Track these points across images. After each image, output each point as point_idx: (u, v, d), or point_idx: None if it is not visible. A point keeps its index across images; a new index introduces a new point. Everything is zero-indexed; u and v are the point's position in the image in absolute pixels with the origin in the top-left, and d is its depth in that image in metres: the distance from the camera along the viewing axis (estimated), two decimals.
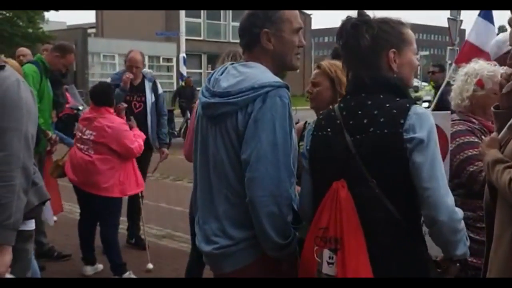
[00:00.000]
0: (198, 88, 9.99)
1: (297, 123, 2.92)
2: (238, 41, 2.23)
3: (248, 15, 2.10)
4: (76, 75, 26.64)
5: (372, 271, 1.79)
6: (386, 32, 1.93)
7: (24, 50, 6.26)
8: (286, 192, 1.94)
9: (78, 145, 4.57)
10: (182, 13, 18.96)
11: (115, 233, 4.64)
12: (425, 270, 1.89)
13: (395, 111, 1.84)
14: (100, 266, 4.79)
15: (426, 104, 14.15)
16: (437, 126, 1.95)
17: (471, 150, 2.52)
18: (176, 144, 9.90)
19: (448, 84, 6.22)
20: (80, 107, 13.25)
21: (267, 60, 2.09)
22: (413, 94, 16.51)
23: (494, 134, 2.09)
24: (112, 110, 4.60)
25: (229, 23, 33.17)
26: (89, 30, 33.53)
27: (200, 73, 30.69)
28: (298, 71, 2.41)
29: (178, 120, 14.18)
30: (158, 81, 5.85)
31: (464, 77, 2.75)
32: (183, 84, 15.46)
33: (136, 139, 4.59)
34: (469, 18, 6.84)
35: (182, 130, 13.19)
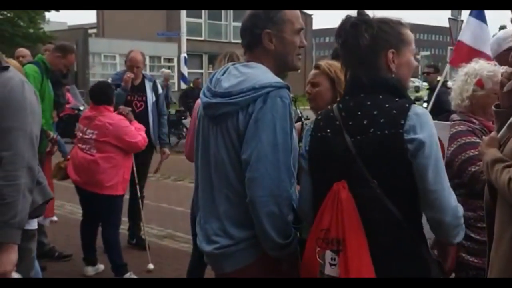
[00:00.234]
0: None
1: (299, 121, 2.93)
2: (239, 41, 2.23)
3: (249, 16, 2.11)
4: (77, 75, 26.66)
5: (374, 272, 1.79)
6: (385, 32, 1.92)
7: (23, 51, 6.25)
8: (286, 192, 1.95)
9: (80, 145, 4.57)
10: (183, 13, 18.97)
11: (117, 233, 4.65)
12: (427, 270, 1.89)
13: (395, 111, 1.83)
14: (101, 267, 4.79)
15: (426, 104, 14.14)
16: None
17: (472, 151, 2.52)
18: (183, 145, 9.89)
19: (444, 85, 6.21)
20: (81, 107, 13.27)
21: (269, 61, 2.09)
22: (414, 94, 16.52)
23: (493, 133, 2.09)
24: (111, 109, 4.61)
25: (230, 23, 33.19)
26: (90, 30, 33.56)
27: (201, 73, 30.71)
28: (299, 71, 2.41)
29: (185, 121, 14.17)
30: (158, 81, 5.86)
31: (464, 77, 2.75)
32: (191, 85, 15.55)
33: (138, 133, 4.60)
34: None
35: None
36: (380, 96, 1.89)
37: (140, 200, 5.21)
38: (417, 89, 18.44)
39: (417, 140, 1.78)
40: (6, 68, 2.21)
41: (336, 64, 2.83)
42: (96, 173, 4.44)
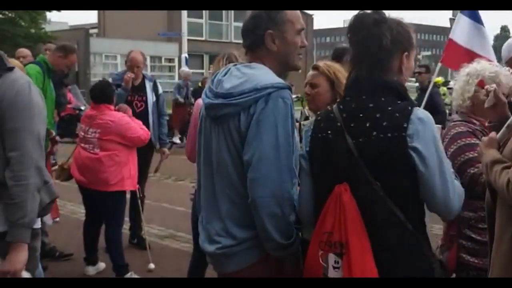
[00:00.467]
0: None
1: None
2: (240, 41, 2.23)
3: (251, 17, 2.11)
4: (78, 75, 26.67)
5: (378, 274, 1.79)
6: (401, 34, 1.92)
7: (24, 51, 6.25)
8: (288, 193, 1.95)
9: (82, 144, 4.58)
10: (184, 13, 18.98)
11: (120, 232, 4.66)
12: (430, 270, 1.90)
13: (397, 114, 1.83)
14: (102, 265, 4.80)
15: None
16: None
17: (472, 152, 2.52)
18: None
19: (435, 86, 6.18)
20: (82, 107, 13.26)
21: (271, 61, 2.10)
22: (415, 95, 16.50)
23: (493, 134, 2.09)
24: (112, 107, 4.62)
25: (231, 23, 33.19)
26: (91, 30, 33.57)
27: (202, 73, 30.72)
28: (300, 71, 2.42)
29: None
30: (158, 81, 5.86)
31: (465, 77, 2.75)
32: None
33: (140, 127, 4.65)
34: None
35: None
36: (383, 99, 1.88)
37: (140, 200, 5.21)
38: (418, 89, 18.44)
39: (419, 149, 1.79)
40: (11, 69, 2.24)
41: (335, 65, 2.83)
42: (100, 171, 4.45)
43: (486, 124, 2.19)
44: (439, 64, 5.71)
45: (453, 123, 2.77)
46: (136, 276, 4.52)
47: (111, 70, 26.76)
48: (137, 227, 5.54)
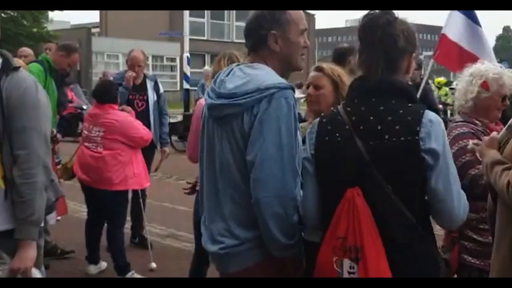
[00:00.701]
0: None
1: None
2: (242, 41, 2.23)
3: (254, 17, 2.10)
4: (80, 75, 26.69)
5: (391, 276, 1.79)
6: (411, 35, 1.91)
7: (26, 50, 6.26)
8: (291, 193, 1.95)
9: (86, 143, 4.58)
10: (186, 13, 18.94)
11: (122, 232, 4.67)
12: (437, 269, 1.90)
13: (409, 117, 1.82)
14: (104, 264, 4.80)
15: None
16: None
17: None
18: None
19: (427, 82, 6.16)
20: (84, 106, 13.26)
21: (273, 62, 2.10)
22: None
23: (493, 134, 2.09)
24: (116, 107, 4.63)
25: (233, 23, 33.19)
26: (93, 30, 33.60)
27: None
28: (302, 71, 2.42)
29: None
30: (159, 81, 5.87)
31: (469, 78, 2.74)
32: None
33: (142, 127, 4.67)
34: None
35: None
36: (393, 101, 1.86)
37: (142, 199, 5.21)
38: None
39: (432, 151, 1.79)
40: (17, 68, 2.26)
41: (338, 68, 2.82)
42: (104, 170, 4.46)
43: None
44: (431, 61, 5.70)
45: (454, 123, 2.77)
46: (137, 275, 4.52)
47: (113, 69, 26.77)
48: (138, 227, 5.55)
